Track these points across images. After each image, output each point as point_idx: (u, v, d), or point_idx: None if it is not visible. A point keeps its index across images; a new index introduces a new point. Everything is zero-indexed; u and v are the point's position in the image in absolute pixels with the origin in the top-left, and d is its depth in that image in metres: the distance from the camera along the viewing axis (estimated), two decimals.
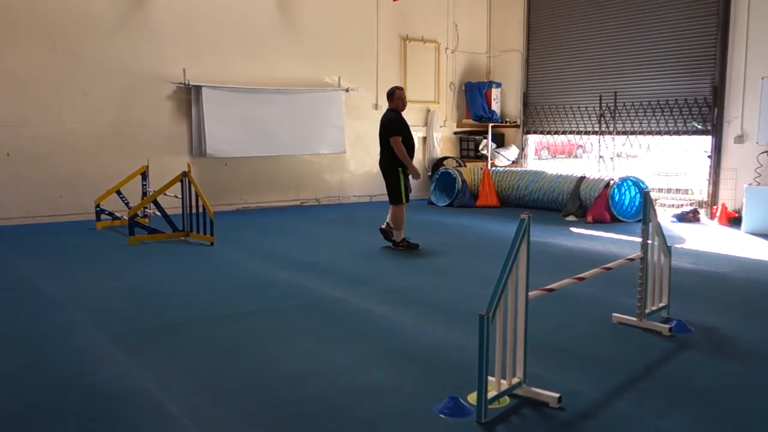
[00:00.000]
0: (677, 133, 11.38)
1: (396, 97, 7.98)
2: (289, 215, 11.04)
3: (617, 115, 12.14)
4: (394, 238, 8.11)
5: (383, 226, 8.20)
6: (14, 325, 5.02)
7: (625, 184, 10.88)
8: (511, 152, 13.89)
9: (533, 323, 3.79)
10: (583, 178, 11.16)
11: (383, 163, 8.07)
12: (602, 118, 12.33)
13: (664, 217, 10.73)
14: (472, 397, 3.52)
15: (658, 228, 4.96)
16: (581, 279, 4.39)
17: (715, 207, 10.67)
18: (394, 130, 7.84)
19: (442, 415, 3.45)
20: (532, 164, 14.19)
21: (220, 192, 11.29)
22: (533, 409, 3.55)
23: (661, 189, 11.86)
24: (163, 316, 5.26)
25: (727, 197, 10.63)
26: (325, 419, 3.44)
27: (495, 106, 13.93)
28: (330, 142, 12.25)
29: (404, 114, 8.10)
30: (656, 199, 11.29)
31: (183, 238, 8.58)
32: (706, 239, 8.99)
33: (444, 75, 13.98)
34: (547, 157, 17.79)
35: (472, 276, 6.72)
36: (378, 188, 12.85)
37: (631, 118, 11.98)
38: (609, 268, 4.76)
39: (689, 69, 11.14)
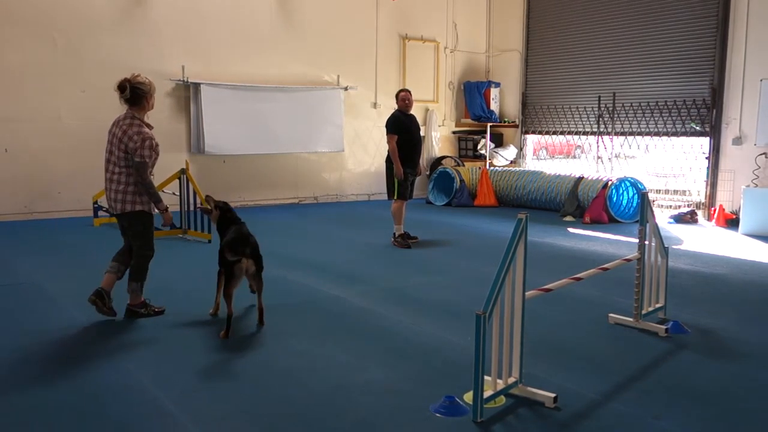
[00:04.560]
0: (676, 134, 11.39)
1: (398, 99, 8.37)
2: (287, 213, 11.04)
3: (616, 115, 12.15)
4: (395, 231, 8.30)
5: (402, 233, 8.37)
6: (11, 320, 5.02)
7: (623, 184, 10.89)
8: (509, 152, 13.89)
9: (530, 323, 3.80)
10: (581, 178, 11.18)
11: (386, 159, 8.36)
12: (601, 119, 12.35)
13: (662, 218, 10.74)
14: (468, 397, 3.53)
15: (656, 229, 4.96)
16: (578, 279, 4.40)
17: (712, 208, 10.68)
18: (388, 128, 8.22)
19: (438, 414, 3.45)
20: (530, 164, 14.20)
21: (218, 189, 11.21)
22: (529, 408, 3.56)
23: (659, 190, 11.87)
24: None
25: (724, 199, 10.64)
26: (322, 417, 3.44)
27: (494, 106, 13.94)
28: (328, 140, 12.25)
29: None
30: (654, 200, 11.31)
31: (181, 236, 8.59)
32: (704, 240, 9.00)
33: (443, 74, 13.98)
34: (546, 158, 17.80)
35: (470, 275, 6.73)
36: (376, 187, 12.88)
37: (630, 118, 12.00)
38: (606, 269, 4.77)
39: (688, 70, 11.15)
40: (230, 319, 4.68)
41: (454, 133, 14.35)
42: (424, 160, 13.54)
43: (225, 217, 5.19)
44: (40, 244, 8.02)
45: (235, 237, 4.88)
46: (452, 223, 10.24)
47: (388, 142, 8.14)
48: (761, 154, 10.19)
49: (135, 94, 4.86)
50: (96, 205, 9.32)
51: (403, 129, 8.15)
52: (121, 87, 4.84)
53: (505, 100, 14.24)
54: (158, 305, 5.23)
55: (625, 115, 12.06)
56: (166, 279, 6.35)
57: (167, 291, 5.86)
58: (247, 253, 4.75)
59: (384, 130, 8.37)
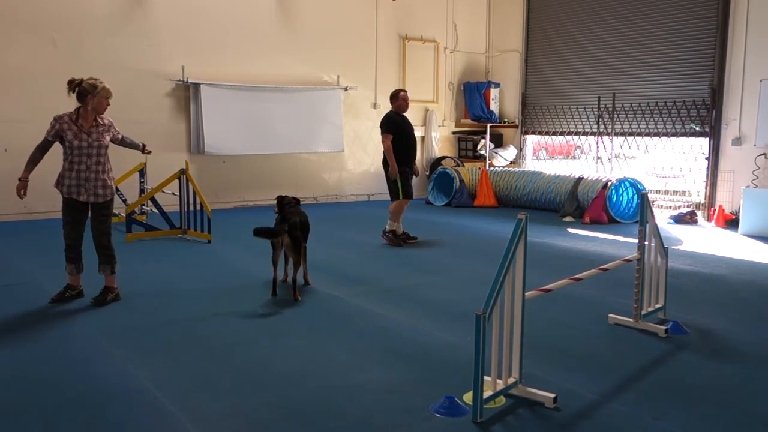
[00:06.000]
0: (675, 134, 11.39)
1: (399, 98, 8.37)
2: None
3: (615, 116, 12.16)
4: (386, 226, 8.36)
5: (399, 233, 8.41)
6: (10, 320, 5.02)
7: (622, 185, 10.90)
8: (509, 152, 13.89)
9: (530, 323, 3.80)
10: (580, 179, 11.18)
11: (383, 161, 8.33)
12: (600, 119, 12.35)
13: (661, 218, 10.74)
14: (468, 397, 3.53)
15: (655, 229, 4.97)
16: (578, 280, 4.40)
17: (712, 209, 10.69)
18: (384, 128, 8.23)
19: (437, 415, 3.45)
20: (530, 165, 14.20)
21: (218, 189, 11.29)
22: (529, 409, 3.56)
23: (659, 190, 11.87)
24: (159, 313, 5.27)
25: (724, 199, 10.64)
26: (321, 417, 3.44)
27: (493, 106, 13.94)
28: (328, 140, 12.25)
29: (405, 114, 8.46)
30: (654, 201, 11.31)
31: (180, 236, 8.59)
32: (703, 241, 9.00)
33: (443, 75, 13.99)
34: (545, 158, 17.80)
35: (469, 275, 6.73)
36: (376, 187, 12.88)
37: (630, 119, 12.00)
38: (606, 269, 4.77)
39: (688, 71, 11.15)
40: (275, 281, 5.75)
41: (453, 133, 14.36)
42: (423, 161, 13.56)
43: (284, 202, 6.25)
44: (40, 244, 8.02)
45: (280, 218, 5.93)
46: (452, 224, 10.24)
47: (383, 141, 8.16)
48: (761, 155, 10.19)
49: (78, 92, 5.45)
50: None
51: (398, 129, 8.18)
52: (69, 81, 5.46)
53: (504, 100, 14.24)
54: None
55: (624, 115, 12.06)
56: (165, 280, 6.36)
57: (165, 292, 5.87)
58: (285, 229, 5.65)
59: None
